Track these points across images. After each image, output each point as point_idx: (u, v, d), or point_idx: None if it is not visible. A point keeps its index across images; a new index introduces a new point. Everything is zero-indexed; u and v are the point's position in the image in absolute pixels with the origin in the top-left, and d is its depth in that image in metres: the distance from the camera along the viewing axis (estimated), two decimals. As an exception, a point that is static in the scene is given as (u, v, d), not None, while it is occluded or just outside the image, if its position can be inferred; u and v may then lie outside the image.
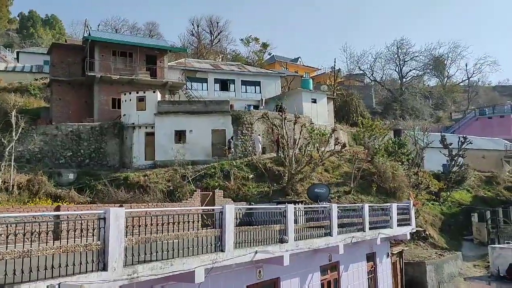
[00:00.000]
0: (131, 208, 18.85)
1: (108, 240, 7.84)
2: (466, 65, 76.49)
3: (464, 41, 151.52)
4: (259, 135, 30.66)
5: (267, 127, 31.31)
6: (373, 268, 20.15)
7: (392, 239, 22.05)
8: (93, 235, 8.13)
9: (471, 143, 37.97)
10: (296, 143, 28.03)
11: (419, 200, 29.48)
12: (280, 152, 29.28)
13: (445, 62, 75.65)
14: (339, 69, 65.77)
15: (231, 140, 29.49)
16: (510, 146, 44.30)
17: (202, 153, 29.26)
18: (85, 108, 33.76)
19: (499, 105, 62.01)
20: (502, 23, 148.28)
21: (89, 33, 35.74)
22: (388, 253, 21.71)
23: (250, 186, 26.85)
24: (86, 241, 7.70)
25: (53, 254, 7.12)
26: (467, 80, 74.88)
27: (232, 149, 29.41)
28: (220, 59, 58.90)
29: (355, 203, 24.89)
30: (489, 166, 42.35)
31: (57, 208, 15.72)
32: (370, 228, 18.40)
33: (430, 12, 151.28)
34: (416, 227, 24.69)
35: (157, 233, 9.18)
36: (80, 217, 8.11)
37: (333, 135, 30.76)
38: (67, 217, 9.62)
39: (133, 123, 29.72)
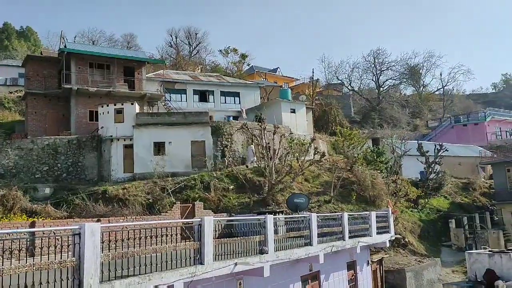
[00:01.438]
0: (109, 222, 18.57)
1: (83, 256, 7.70)
2: (441, 74, 78.63)
3: (438, 51, 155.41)
4: (252, 145, 30.61)
5: (246, 137, 31.34)
6: (353, 276, 20.26)
7: (372, 247, 22.27)
8: (68, 251, 7.98)
9: (447, 151, 38.73)
10: (276, 153, 28.12)
11: (397, 207, 29.86)
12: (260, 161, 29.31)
13: (421, 71, 77.19)
14: (318, 79, 66.53)
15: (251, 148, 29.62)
16: (485, 153, 45.28)
17: (181, 164, 29.08)
18: (62, 121, 33.23)
19: (473, 113, 63.38)
20: (474, 32, 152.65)
21: (65, 45, 35.30)
22: (368, 261, 21.88)
23: (231, 197, 26.76)
24: (61, 258, 7.55)
25: (26, 272, 6.95)
26: (442, 89, 76.46)
27: (254, 158, 29.29)
28: (199, 70, 58.86)
29: (335, 212, 25.04)
30: (465, 172, 43.20)
31: (32, 224, 15.37)
32: (350, 237, 18.54)
33: (405, 22, 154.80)
34: (396, 234, 24.99)
35: (134, 247, 9.06)
36: (54, 233, 7.96)
37: (312, 144, 30.99)
38: (42, 233, 9.43)
39: (111, 136, 29.38)
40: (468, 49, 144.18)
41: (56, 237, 7.81)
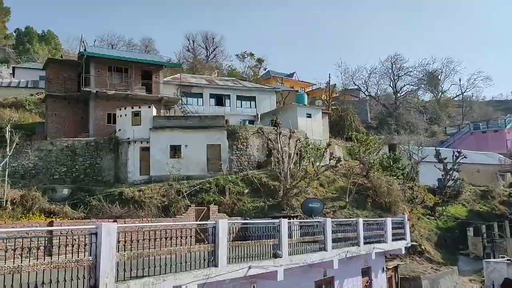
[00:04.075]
0: (124, 223, 18.77)
1: (99, 256, 7.82)
2: (460, 80, 77.20)
3: (457, 57, 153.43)
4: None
5: (262, 141, 31.38)
6: (368, 283, 20.07)
7: (387, 253, 22.03)
8: (84, 250, 8.11)
9: (466, 158, 38.14)
10: (291, 158, 28.08)
11: (414, 214, 29.51)
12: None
13: (439, 77, 76.36)
14: (334, 84, 66.22)
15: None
16: (505, 160, 44.48)
17: (197, 168, 29.23)
18: (81, 123, 33.76)
19: (493, 120, 62.39)
20: (494, 39, 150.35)
21: (85, 48, 35.91)
22: (384, 268, 21.65)
23: (246, 201, 26.78)
24: (78, 257, 7.67)
25: (43, 270, 7.08)
26: (461, 95, 75.52)
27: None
28: (216, 75, 59.21)
29: (350, 217, 24.87)
30: (484, 180, 42.46)
31: (50, 224, 15.62)
32: (365, 243, 18.39)
33: (423, 27, 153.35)
34: (412, 241, 24.67)
35: (149, 248, 9.17)
36: (72, 232, 8.10)
37: (328, 149, 30.85)
38: (60, 233, 9.59)
39: (128, 138, 29.72)
40: (487, 56, 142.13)
41: (74, 237, 7.95)
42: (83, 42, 37.39)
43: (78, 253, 7.85)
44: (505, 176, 44.01)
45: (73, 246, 7.74)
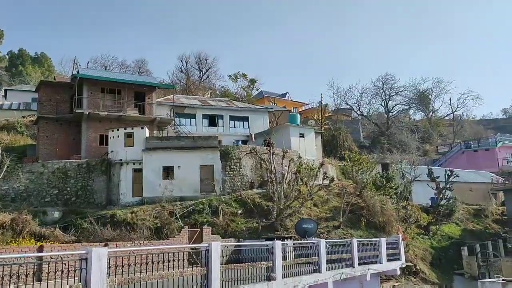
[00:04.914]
0: (116, 246, 18.52)
1: (90, 282, 7.69)
2: (450, 100, 77.91)
3: (447, 76, 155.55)
4: None
5: (255, 162, 31.36)
6: (364, 305, 19.82)
7: (382, 274, 21.85)
8: (74, 275, 7.97)
9: (458, 176, 38.26)
10: (285, 178, 28.04)
11: (408, 234, 29.38)
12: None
13: (430, 97, 77.11)
14: (327, 104, 66.72)
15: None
16: (496, 179, 44.68)
17: (190, 189, 29.09)
18: (73, 145, 33.60)
19: (484, 139, 62.86)
20: (484, 59, 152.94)
21: (78, 70, 36.02)
22: (379, 289, 21.44)
23: (239, 222, 26.61)
24: (67, 283, 7.53)
25: (32, 297, 6.94)
26: (452, 114, 76.21)
27: None
28: (209, 95, 59.48)
29: (344, 238, 24.73)
30: (476, 199, 42.54)
31: (40, 248, 15.35)
32: (359, 264, 18.26)
33: (414, 47, 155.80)
34: (406, 261, 24.53)
35: (141, 273, 9.02)
36: (61, 258, 7.97)
37: (321, 169, 30.87)
38: (50, 258, 9.41)
39: (121, 160, 29.58)
40: (478, 75, 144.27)
41: (63, 262, 7.81)
42: (76, 64, 37.58)
43: (68, 279, 7.71)
44: (497, 194, 44.12)
45: (62, 272, 7.60)
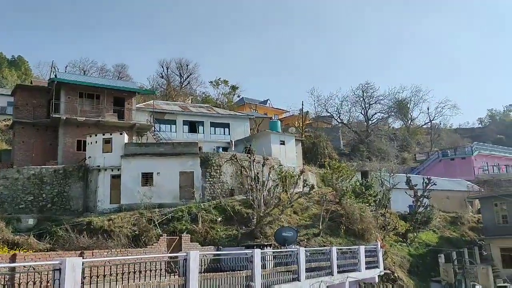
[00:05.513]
0: (93, 254, 18.15)
1: (63, 293, 7.45)
2: (428, 109, 79.46)
3: (426, 85, 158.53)
4: None
5: (236, 169, 31.24)
6: (342, 313, 19.83)
7: (361, 282, 21.94)
8: (47, 286, 7.73)
9: (435, 184, 38.82)
10: (265, 185, 28.00)
11: (386, 241, 29.64)
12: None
13: (408, 105, 78.41)
14: (307, 111, 67.13)
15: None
16: (472, 187, 45.56)
17: (169, 196, 28.76)
18: (49, 150, 32.91)
19: (460, 147, 64.11)
20: (461, 69, 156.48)
21: (56, 74, 35.38)
22: (358, 297, 21.51)
23: (218, 229, 26.40)
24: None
25: (1, 310, 6.69)
26: (430, 123, 77.58)
27: None
28: (190, 101, 59.18)
29: (324, 245, 24.78)
30: (453, 207, 43.26)
31: (13, 257, 14.90)
32: (338, 272, 18.29)
33: (393, 56, 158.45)
34: (385, 269, 24.70)
35: (116, 282, 8.82)
36: (34, 268, 7.73)
37: (301, 176, 30.92)
38: (23, 267, 9.14)
39: (99, 166, 29.10)
40: (455, 85, 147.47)
41: (36, 272, 7.58)
42: (53, 67, 36.90)
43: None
44: (473, 202, 44.95)
45: (34, 283, 7.37)
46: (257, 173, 28.48)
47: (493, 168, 58.56)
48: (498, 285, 24.85)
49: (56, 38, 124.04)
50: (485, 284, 26.67)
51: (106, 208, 27.98)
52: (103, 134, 29.89)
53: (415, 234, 34.74)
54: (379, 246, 23.70)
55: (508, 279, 29.11)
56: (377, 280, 22.52)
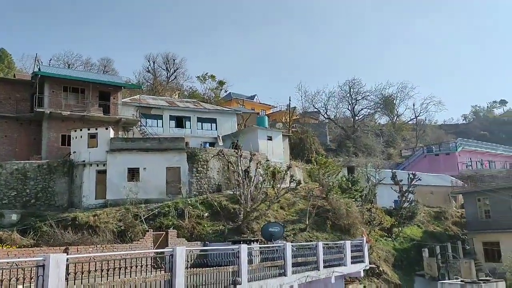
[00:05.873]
0: (78, 250, 18.03)
1: (47, 289, 7.36)
2: (414, 105, 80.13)
3: (411, 82, 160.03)
4: None
5: (223, 164, 31.18)
6: (328, 307, 20.00)
7: (346, 276, 22.13)
8: (30, 283, 7.64)
9: (420, 180, 39.29)
10: (252, 181, 28.00)
11: (372, 236, 29.91)
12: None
13: (394, 102, 79.03)
14: (295, 107, 67.19)
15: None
16: (456, 182, 46.20)
17: (156, 191, 28.61)
18: (33, 145, 32.47)
19: (444, 143, 64.95)
20: (446, 66, 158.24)
21: (39, 68, 34.83)
22: (343, 291, 21.70)
23: (205, 225, 26.37)
24: (23, 291, 7.21)
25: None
26: (415, 119, 78.32)
27: None
28: (177, 96, 58.79)
29: (310, 240, 24.93)
30: (437, 201, 43.84)
31: (-4, 253, 14.72)
32: (324, 267, 18.41)
33: (379, 53, 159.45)
34: (370, 263, 24.95)
35: (101, 278, 8.75)
36: (17, 265, 7.62)
37: (288, 172, 31.01)
38: (6, 263, 9.01)
39: (84, 161, 28.79)
40: (439, 81, 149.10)
41: (20, 269, 7.47)
42: (37, 61, 36.33)
43: (23, 286, 7.39)
44: (457, 197, 45.60)
45: (17, 279, 7.27)
46: (245, 168, 28.47)
47: (476, 163, 59.46)
48: (480, 278, 25.26)
49: (39, 31, 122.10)
50: (468, 278, 27.10)
51: (91, 204, 27.73)
52: (88, 129, 29.57)
53: (400, 228, 35.14)
54: (364, 241, 23.92)
55: (490, 272, 29.62)
56: (362, 275, 22.74)
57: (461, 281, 24.16)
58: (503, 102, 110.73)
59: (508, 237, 32.71)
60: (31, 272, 7.56)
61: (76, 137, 29.59)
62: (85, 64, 68.86)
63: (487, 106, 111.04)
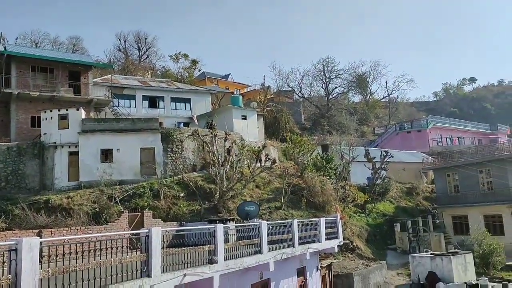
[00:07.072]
0: (51, 233, 17.78)
1: (20, 273, 7.26)
2: (386, 83, 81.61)
3: (383, 60, 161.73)
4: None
5: (197, 144, 31.04)
6: (303, 282, 20.50)
7: (321, 252, 22.63)
8: (3, 267, 7.51)
9: (393, 157, 40.18)
10: (227, 160, 28.02)
11: (346, 213, 30.56)
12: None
13: (367, 80, 79.93)
14: (269, 86, 67.07)
15: None
16: (427, 158, 47.45)
17: (130, 172, 28.33)
18: (1, 127, 31.53)
19: (416, 120, 66.33)
20: (417, 44, 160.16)
21: (5, 47, 33.56)
22: (318, 267, 22.22)
23: (181, 205, 26.36)
24: (-3, 276, 7.09)
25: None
26: (388, 97, 79.52)
27: None
28: (149, 76, 57.75)
29: (286, 218, 25.27)
30: (409, 178, 45.02)
31: (-34, 238, 14.38)
32: (300, 243, 18.74)
33: (352, 32, 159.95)
34: (344, 239, 25.56)
35: (76, 261, 8.68)
36: (-12, 249, 7.46)
37: (263, 151, 31.14)
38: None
39: (55, 143, 28.17)
40: (411, 60, 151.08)
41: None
42: (3, 39, 34.92)
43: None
44: (428, 173, 46.90)
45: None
46: (220, 148, 28.43)
47: (446, 140, 61.08)
48: (449, 251, 26.27)
49: (4, 9, 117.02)
50: (438, 250, 28.15)
51: (64, 186, 27.28)
52: (59, 110, 28.84)
53: (373, 205, 36.04)
54: (338, 217, 24.41)
55: (458, 245, 30.84)
56: (336, 250, 23.28)
57: (431, 253, 25.08)
58: (472, 80, 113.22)
59: (476, 210, 34.00)
60: (3, 256, 7.42)
61: (46, 118, 28.84)
62: (53, 42, 66.66)
63: (457, 84, 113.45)
